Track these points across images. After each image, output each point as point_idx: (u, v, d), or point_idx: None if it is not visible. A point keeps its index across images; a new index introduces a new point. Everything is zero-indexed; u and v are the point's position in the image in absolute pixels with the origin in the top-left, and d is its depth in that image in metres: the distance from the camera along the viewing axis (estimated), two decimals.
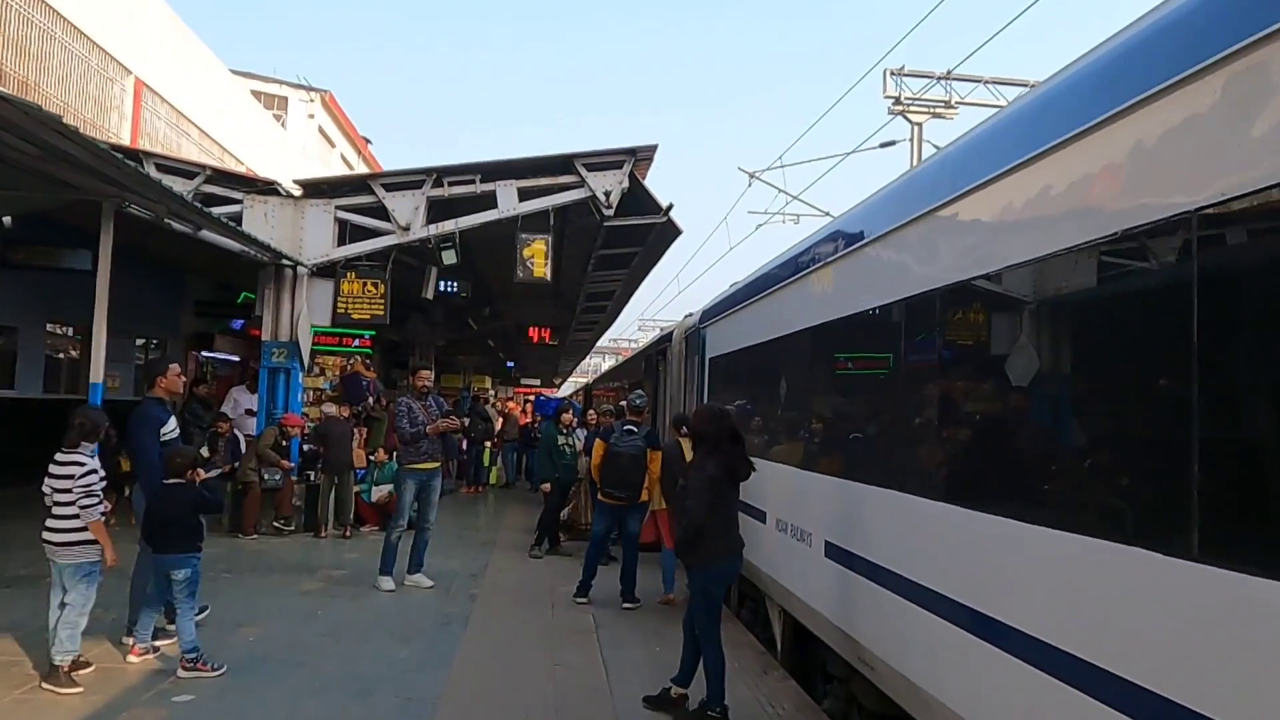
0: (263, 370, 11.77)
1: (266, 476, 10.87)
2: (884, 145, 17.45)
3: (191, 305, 20.10)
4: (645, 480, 8.03)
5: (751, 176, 17.09)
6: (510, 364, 36.23)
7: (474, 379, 35.72)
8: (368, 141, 39.82)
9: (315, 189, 12.13)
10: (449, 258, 12.11)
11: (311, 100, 32.12)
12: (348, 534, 11.19)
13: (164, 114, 19.70)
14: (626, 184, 12.18)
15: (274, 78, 31.69)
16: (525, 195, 12.18)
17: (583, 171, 12.06)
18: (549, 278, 12.36)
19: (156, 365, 6.48)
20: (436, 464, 8.65)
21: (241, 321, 18.89)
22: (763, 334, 7.95)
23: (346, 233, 12.11)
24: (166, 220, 10.60)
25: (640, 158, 12.17)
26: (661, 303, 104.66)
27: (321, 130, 33.64)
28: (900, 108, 17.45)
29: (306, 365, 12.01)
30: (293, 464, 11.20)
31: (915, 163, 17.52)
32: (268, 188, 11.96)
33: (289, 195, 12.00)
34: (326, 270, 12.16)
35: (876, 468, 5.09)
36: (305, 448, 11.58)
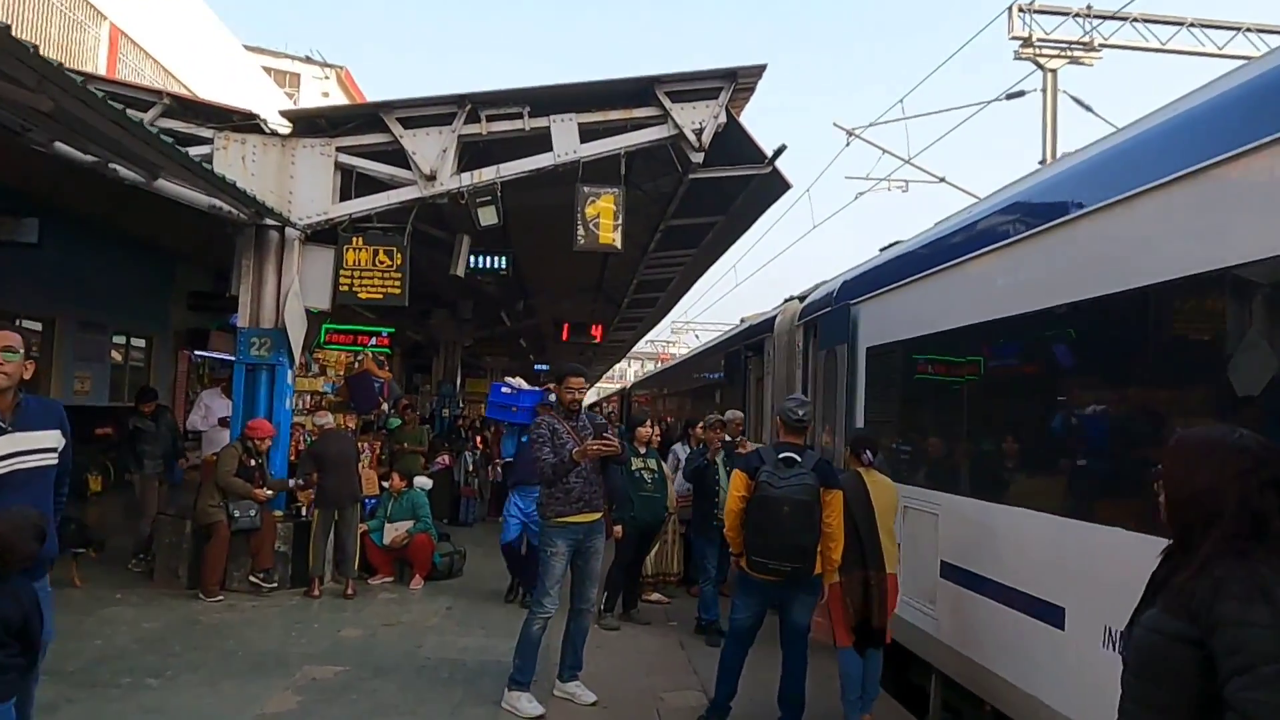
0: (238, 368, 8.77)
1: (237, 514, 7.84)
2: (1010, 96, 14.30)
3: (183, 297, 17.26)
4: (820, 541, 4.91)
5: (850, 135, 14.00)
6: (540, 367, 33.17)
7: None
8: None
9: (309, 124, 9.13)
10: (488, 216, 9.06)
11: (326, 77, 29.35)
12: (351, 591, 8.13)
13: (148, 73, 16.85)
14: (724, 119, 9.11)
15: (285, 53, 29.00)
16: (589, 134, 9.13)
17: (666, 101, 8.99)
18: (618, 244, 9.28)
19: None
20: (597, 514, 5.65)
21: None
22: (1013, 303, 4.85)
23: (352, 184, 9.10)
24: (111, 166, 7.67)
25: (741, 84, 9.07)
26: (705, 304, 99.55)
27: None
28: (1030, 51, 14.31)
29: (298, 360, 8.99)
30: (271, 492, 8.17)
31: (1049, 117, 14.36)
32: (247, 122, 8.97)
33: (274, 133, 9.01)
34: (324, 234, 9.16)
35: None
36: (295, 482, 8.54)
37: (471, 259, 10.93)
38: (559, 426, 5.55)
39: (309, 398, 10.31)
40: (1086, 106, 14.26)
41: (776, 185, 10.38)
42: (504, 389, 8.60)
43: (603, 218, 9.20)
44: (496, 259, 11.08)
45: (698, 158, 9.24)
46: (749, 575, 5.01)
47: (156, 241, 15.06)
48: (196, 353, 18.70)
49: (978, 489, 5.17)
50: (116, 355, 16.35)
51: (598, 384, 64.47)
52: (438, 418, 21.41)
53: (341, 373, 10.44)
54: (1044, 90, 14.31)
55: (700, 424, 8.47)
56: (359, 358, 10.63)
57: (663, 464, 8.23)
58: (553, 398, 6.24)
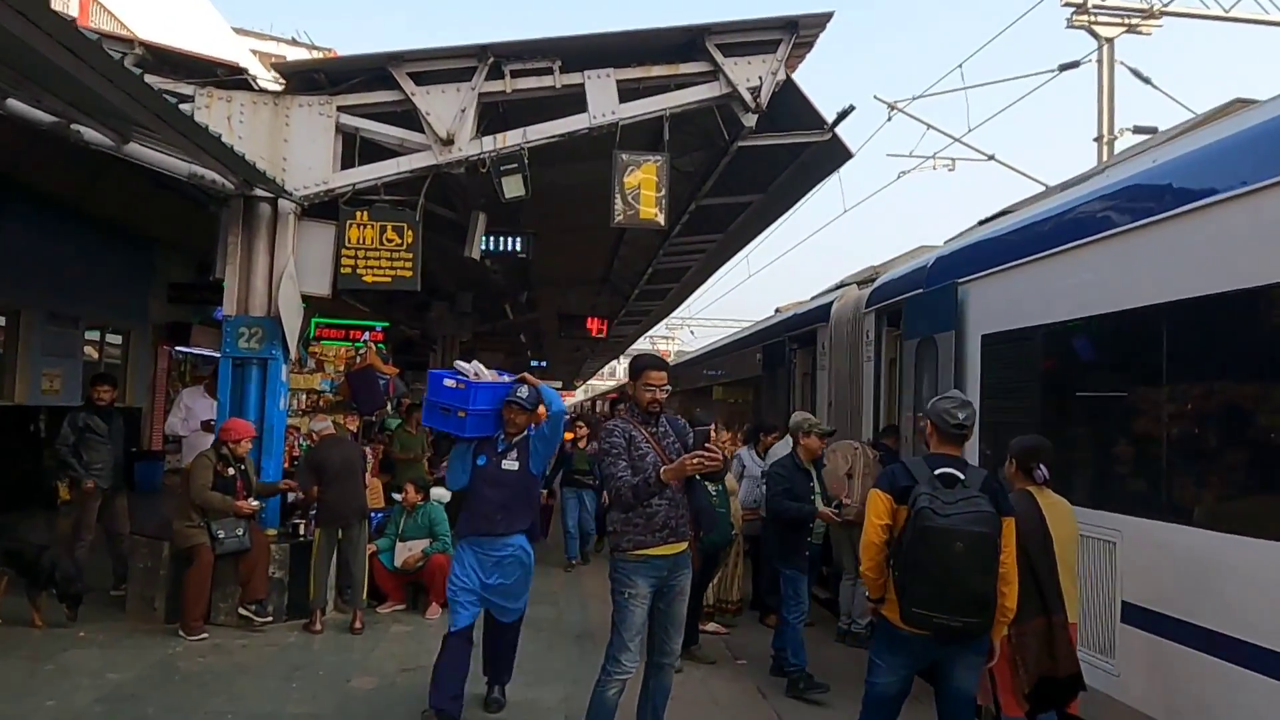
0: (224, 362, 7.52)
1: (222, 534, 6.61)
2: (1063, 68, 13.17)
3: (163, 288, 15.96)
4: (998, 588, 3.72)
5: (891, 108, 12.84)
6: (539, 363, 31.97)
7: None
8: None
9: (306, 80, 7.86)
10: (513, 187, 7.84)
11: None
12: (359, 625, 6.91)
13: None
14: (782, 75, 7.94)
15: (270, 34, 27.66)
16: (627, 94, 7.95)
17: (717, 55, 7.81)
18: (662, 218, 8.09)
19: None
20: (683, 544, 4.41)
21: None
22: (1250, 272, 3.70)
23: (355, 150, 7.87)
24: (75, 127, 6.44)
25: (802, 36, 7.90)
26: (706, 300, 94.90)
27: None
28: (1084, 18, 13.21)
29: (293, 353, 7.75)
30: (258, 502, 6.94)
31: (1104, 90, 13.26)
32: (233, 78, 7.71)
33: (265, 91, 7.76)
34: (324, 208, 7.93)
35: None
36: (287, 483, 7.32)
37: (489, 239, 9.68)
38: (636, 434, 4.36)
39: (304, 397, 9.07)
40: (1145, 79, 13.17)
41: (835, 154, 9.21)
42: (448, 380, 5.20)
43: (644, 189, 8.01)
44: (513, 240, 9.82)
45: (750, 121, 8.07)
46: (898, 629, 3.84)
47: (133, 226, 13.76)
48: (178, 348, 17.39)
49: (1181, 510, 4.03)
50: (91, 351, 15.03)
51: (589, 380, 63.19)
52: None
53: (341, 368, 9.20)
54: (1099, 61, 13.21)
55: (790, 429, 7.34)
56: (361, 351, 9.39)
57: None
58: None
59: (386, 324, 20.77)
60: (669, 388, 4.52)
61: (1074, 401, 5.00)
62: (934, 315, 6.44)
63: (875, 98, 14.62)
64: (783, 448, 7.46)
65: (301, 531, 7.27)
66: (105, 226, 13.29)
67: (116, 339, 15.91)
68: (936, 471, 3.86)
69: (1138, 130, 12.92)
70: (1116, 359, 4.63)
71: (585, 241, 15.31)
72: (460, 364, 5.25)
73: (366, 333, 20.44)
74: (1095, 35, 13.20)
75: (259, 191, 7.54)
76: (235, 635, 6.68)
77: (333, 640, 6.74)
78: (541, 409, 4.98)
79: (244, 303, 7.59)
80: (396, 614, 7.57)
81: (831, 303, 9.39)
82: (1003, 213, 6.49)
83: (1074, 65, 13.24)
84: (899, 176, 13.77)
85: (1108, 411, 4.71)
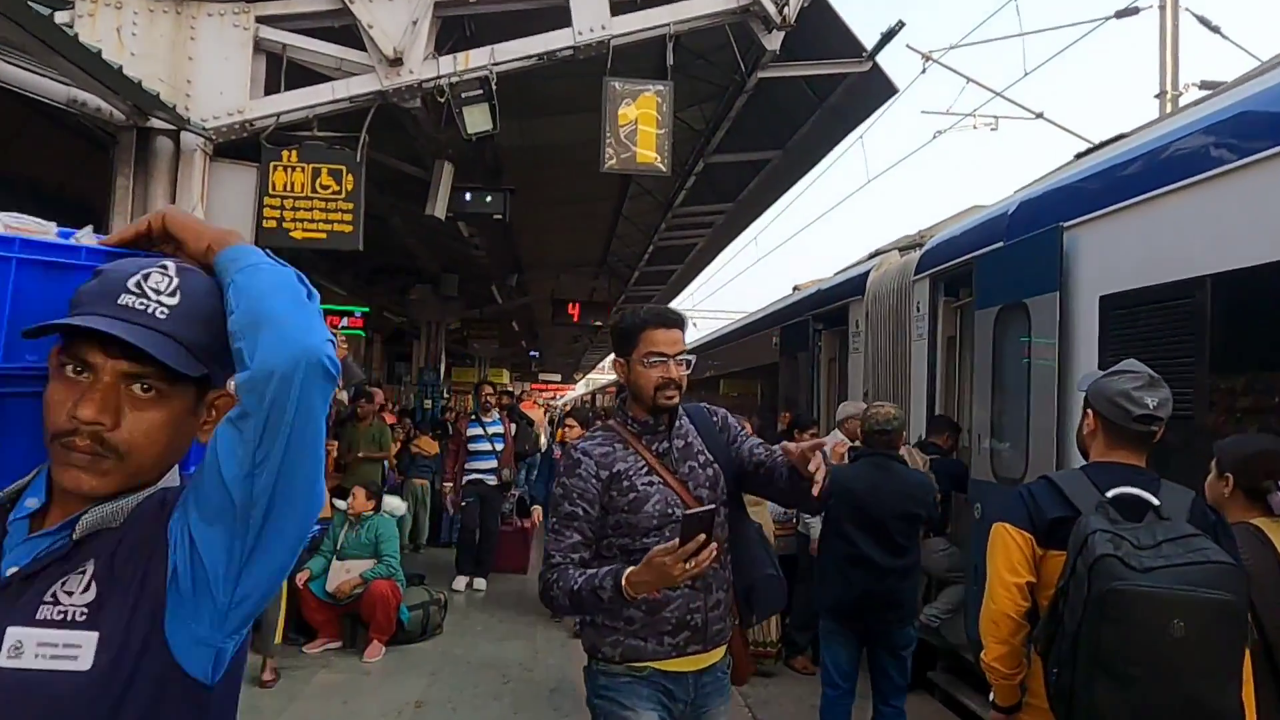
0: None
1: None
2: (1120, 14, 11.59)
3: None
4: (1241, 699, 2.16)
5: (926, 59, 11.24)
6: (534, 353, 30.43)
7: (491, 372, 29.92)
8: None
9: None
10: (477, 120, 6.27)
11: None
12: (270, 676, 5.35)
13: None
14: None
15: None
16: (623, 6, 6.39)
17: None
18: (664, 163, 6.53)
19: None
20: (714, 654, 2.48)
21: None
22: None
23: (281, 73, 6.29)
24: None
25: None
26: (707, 290, 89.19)
27: None
28: None
29: None
30: None
31: (1168, 39, 11.67)
32: None
33: None
34: (242, 146, 6.37)
35: None
36: None
37: (456, 198, 8.10)
38: (627, 461, 2.44)
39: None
40: (1214, 27, 11.57)
41: (874, 91, 7.61)
42: None
43: (641, 125, 6.45)
44: (488, 197, 8.23)
45: (774, 42, 6.51)
46: None
47: (69, 191, 12.21)
48: None
49: None
50: None
51: (589, 374, 61.62)
52: (419, 409, 18.67)
53: None
54: (1162, 7, 11.61)
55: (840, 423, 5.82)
56: None
57: None
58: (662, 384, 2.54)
59: (367, 309, 19.28)
60: (689, 359, 2.47)
61: (1267, 383, 3.43)
62: (1022, 274, 4.86)
63: (908, 47, 13.04)
64: None
65: None
66: (36, 191, 11.72)
67: None
68: (1111, 493, 2.30)
69: (1204, 86, 11.35)
70: None
71: (580, 216, 13.77)
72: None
73: (344, 318, 18.96)
74: None
75: (156, 123, 5.96)
76: None
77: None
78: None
79: None
80: (328, 654, 6.03)
81: (867, 273, 7.81)
82: (1113, 139, 4.91)
83: (1133, 12, 11.66)
84: (934, 137, 12.20)
85: None
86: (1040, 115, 11.57)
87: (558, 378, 51.17)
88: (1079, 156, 5.29)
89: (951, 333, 6.32)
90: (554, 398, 51.15)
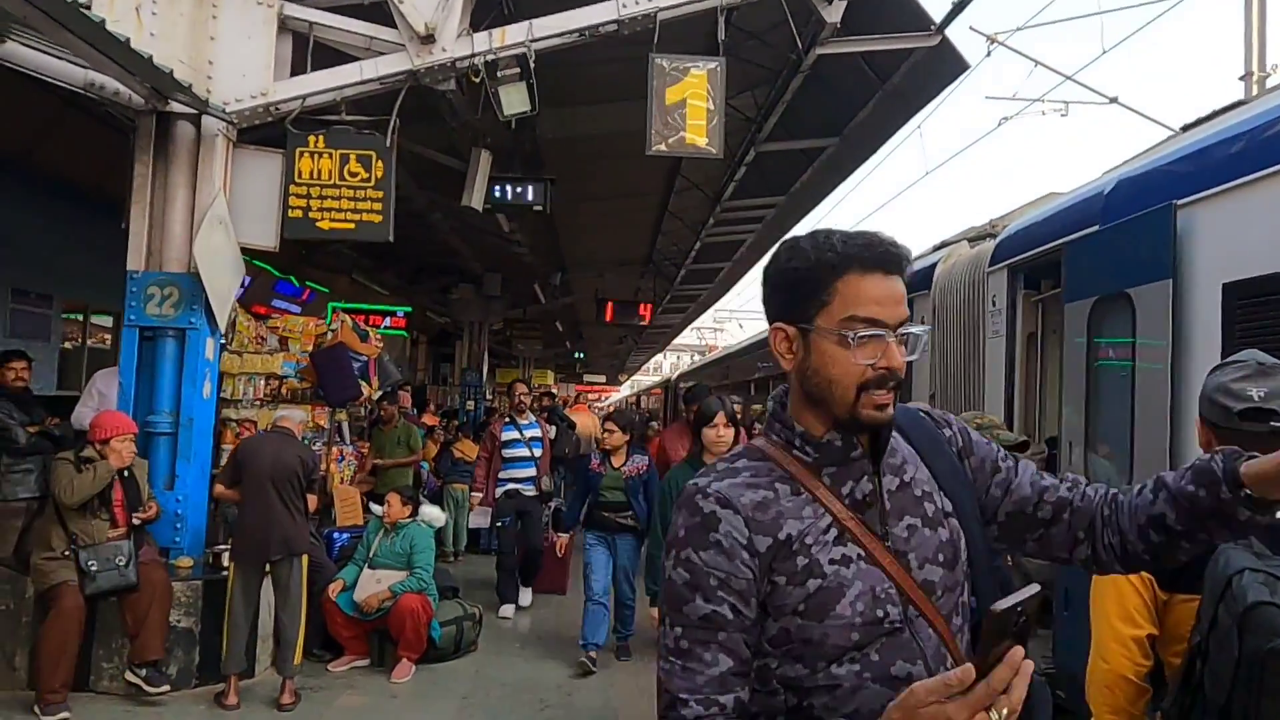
0: (127, 333, 5.66)
1: (94, 566, 4.70)
2: None
3: None
4: None
5: (991, 41, 10.59)
6: (579, 354, 30.08)
7: (535, 373, 29.63)
8: None
9: None
10: (514, 101, 5.84)
11: None
12: (289, 699, 4.96)
13: None
14: None
15: None
16: None
17: None
18: (716, 146, 6.03)
19: None
20: None
21: (239, 289, 12.89)
22: None
23: (308, 54, 5.93)
24: None
25: None
26: (748, 296, 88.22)
27: None
28: None
29: (223, 323, 5.83)
30: (145, 512, 5.03)
31: (1254, 16, 10.88)
32: None
33: None
34: (267, 131, 6.03)
35: None
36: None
37: (497, 188, 7.69)
38: (801, 519, 1.31)
39: (262, 383, 7.17)
40: None
41: (942, 69, 7.03)
42: None
43: (691, 102, 5.96)
44: (527, 188, 7.79)
45: (834, 14, 6.00)
46: None
47: (106, 190, 12.07)
48: None
49: None
50: (74, 335, 13.40)
51: (634, 376, 61.07)
52: (461, 411, 18.40)
53: (307, 346, 7.28)
54: None
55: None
56: (333, 325, 7.47)
57: None
58: None
59: (409, 309, 19.04)
60: (917, 335, 1.35)
61: None
62: (1125, 260, 4.28)
63: (971, 29, 12.38)
64: None
65: (225, 563, 5.34)
66: (87, 194, 11.60)
67: (106, 321, 14.27)
68: None
69: None
70: None
71: (625, 212, 13.33)
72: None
73: (386, 318, 18.75)
74: None
75: (176, 106, 5.64)
76: (118, 709, 4.80)
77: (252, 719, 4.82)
78: None
79: (155, 254, 5.71)
80: (354, 673, 5.64)
81: (933, 266, 7.23)
82: (1231, 106, 4.31)
83: None
84: (999, 124, 11.52)
85: None
86: (1114, 100, 10.84)
87: (602, 379, 50.85)
88: (1185, 129, 4.69)
89: (1032, 329, 5.74)
90: (598, 399, 50.84)
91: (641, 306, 17.50)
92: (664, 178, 11.35)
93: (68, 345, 13.21)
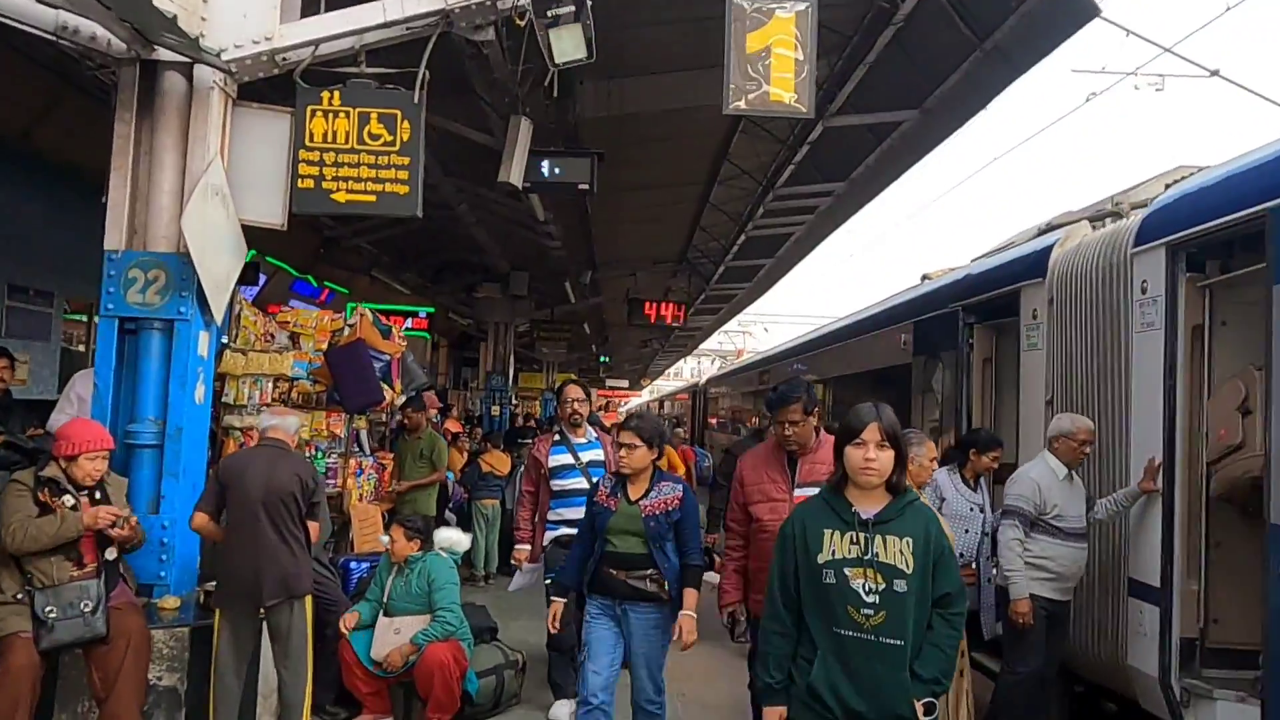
0: (104, 325, 4.72)
1: (53, 612, 3.74)
2: None
3: None
4: None
5: None
6: (604, 358, 29.13)
7: (558, 377, 28.68)
8: None
9: None
10: (566, 45, 4.87)
11: None
12: None
13: None
14: None
15: None
16: None
17: None
18: (805, 103, 5.04)
19: None
20: None
21: (253, 289, 12.07)
22: None
23: None
24: None
25: None
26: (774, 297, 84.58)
27: None
28: None
29: (219, 313, 4.88)
30: (118, 522, 4.04)
31: None
32: None
33: None
34: (271, 85, 5.09)
35: None
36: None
37: (543, 164, 6.72)
38: None
39: (271, 386, 6.21)
40: None
41: (1064, 13, 5.98)
42: None
43: (777, 50, 4.97)
44: (571, 165, 6.80)
45: None
46: None
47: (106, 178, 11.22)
48: None
49: None
50: (77, 335, 12.57)
51: (656, 380, 59.85)
52: (485, 417, 17.48)
53: (321, 343, 6.33)
54: None
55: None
56: (350, 320, 6.51)
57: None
58: None
59: (432, 309, 18.14)
60: None
61: None
62: None
63: None
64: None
65: (210, 603, 4.37)
66: (91, 185, 10.76)
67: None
68: None
69: None
70: None
71: (662, 204, 12.38)
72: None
73: (409, 319, 17.85)
74: None
75: (163, 53, 4.71)
76: None
77: None
78: None
79: (139, 230, 4.78)
80: None
81: (1046, 250, 6.19)
82: None
83: None
84: (1087, 100, 10.45)
85: None
86: (1215, 73, 9.77)
87: (625, 384, 49.89)
88: None
89: (1198, 320, 4.71)
90: (619, 404, 49.90)
91: (677, 307, 16.55)
92: (709, 164, 10.38)
93: (80, 348, 12.42)
